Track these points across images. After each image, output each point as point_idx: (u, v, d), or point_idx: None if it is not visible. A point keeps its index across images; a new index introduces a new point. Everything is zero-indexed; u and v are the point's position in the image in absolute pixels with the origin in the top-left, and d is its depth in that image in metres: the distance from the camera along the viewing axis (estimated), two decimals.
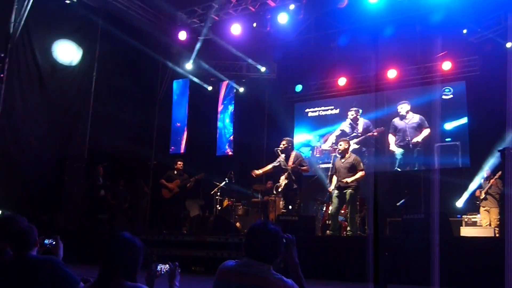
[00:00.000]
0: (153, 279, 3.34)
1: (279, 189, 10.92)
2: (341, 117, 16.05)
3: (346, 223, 11.52)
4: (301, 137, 16.63)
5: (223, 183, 12.73)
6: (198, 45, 15.45)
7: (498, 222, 11.39)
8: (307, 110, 16.83)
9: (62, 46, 13.80)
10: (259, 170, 10.87)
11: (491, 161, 12.00)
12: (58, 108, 13.55)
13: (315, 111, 16.66)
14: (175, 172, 12.10)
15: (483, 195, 11.80)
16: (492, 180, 11.71)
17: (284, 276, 2.87)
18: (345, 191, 9.83)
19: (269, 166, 10.86)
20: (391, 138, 15.02)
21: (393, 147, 14.95)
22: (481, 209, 11.80)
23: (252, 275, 2.73)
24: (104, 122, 14.76)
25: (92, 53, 14.56)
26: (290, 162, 10.42)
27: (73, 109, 14.13)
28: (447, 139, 14.16)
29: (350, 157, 10.01)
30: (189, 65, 16.55)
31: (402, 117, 14.88)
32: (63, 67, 13.91)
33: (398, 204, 12.54)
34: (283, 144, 10.57)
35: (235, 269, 2.82)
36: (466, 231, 10.90)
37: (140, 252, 3.06)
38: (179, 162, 12.17)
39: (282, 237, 2.96)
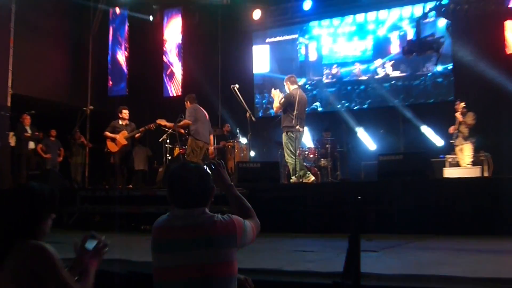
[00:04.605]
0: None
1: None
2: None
3: (315, 168, 11.70)
4: (262, 68, 16.57)
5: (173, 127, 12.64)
6: None
7: (471, 160, 11.33)
8: (268, 40, 16.69)
9: None
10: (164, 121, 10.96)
11: None
12: None
13: (278, 41, 16.55)
14: (120, 122, 11.80)
15: (455, 132, 11.57)
16: (457, 113, 11.55)
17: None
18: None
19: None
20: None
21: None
22: (456, 148, 11.76)
23: (187, 226, 2.74)
24: (28, 63, 14.37)
25: None
26: None
27: None
28: (429, 74, 14.31)
29: None
30: None
31: None
32: None
33: None
34: None
35: (168, 224, 2.83)
36: (449, 172, 11.12)
37: (40, 204, 2.89)
38: (124, 110, 11.81)
39: (206, 172, 2.93)
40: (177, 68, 16.57)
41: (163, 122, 10.84)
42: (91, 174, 15.23)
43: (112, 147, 11.64)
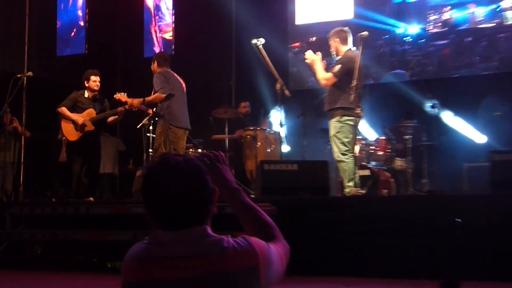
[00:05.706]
0: None
1: None
2: None
3: (386, 173, 11.62)
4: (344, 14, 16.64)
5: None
6: None
7: None
8: None
9: None
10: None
11: None
12: None
13: None
14: (87, 94, 11.60)
15: None
16: None
17: None
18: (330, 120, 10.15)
19: None
20: None
21: None
22: None
23: (181, 258, 2.59)
24: None
25: None
26: None
27: None
28: None
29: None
30: None
31: None
32: None
33: None
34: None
35: (149, 256, 2.65)
36: None
37: None
38: (93, 77, 11.54)
39: (201, 168, 2.75)
40: (164, 17, 16.61)
41: (123, 97, 10.86)
42: (28, 180, 15.22)
43: (69, 133, 11.40)
